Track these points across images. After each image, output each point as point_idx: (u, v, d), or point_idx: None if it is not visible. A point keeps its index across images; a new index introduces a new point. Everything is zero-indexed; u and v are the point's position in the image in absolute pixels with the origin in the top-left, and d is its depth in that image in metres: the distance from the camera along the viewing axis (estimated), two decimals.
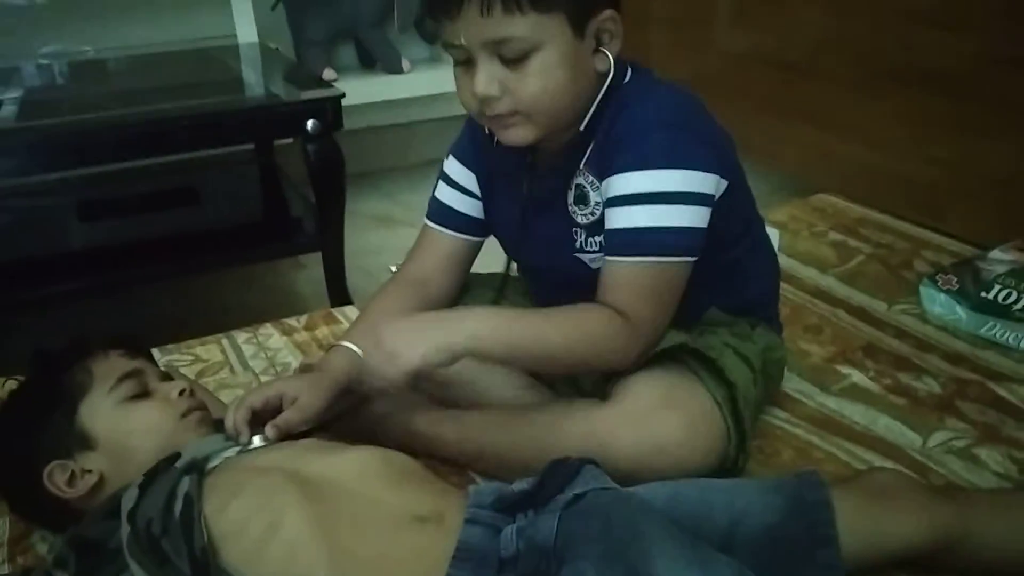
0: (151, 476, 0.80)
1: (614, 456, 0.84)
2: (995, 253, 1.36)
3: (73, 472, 0.85)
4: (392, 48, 2.39)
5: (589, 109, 0.89)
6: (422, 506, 0.75)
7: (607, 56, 0.87)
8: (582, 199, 0.92)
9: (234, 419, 0.87)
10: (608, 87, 0.89)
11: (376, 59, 2.42)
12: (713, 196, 0.88)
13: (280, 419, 0.87)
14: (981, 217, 1.57)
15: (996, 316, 1.24)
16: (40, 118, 1.69)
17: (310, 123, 1.53)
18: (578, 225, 0.94)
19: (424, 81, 2.37)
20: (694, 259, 0.88)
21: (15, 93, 1.79)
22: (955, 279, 1.31)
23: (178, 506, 0.75)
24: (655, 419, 0.87)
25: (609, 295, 0.87)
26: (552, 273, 0.99)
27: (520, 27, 0.81)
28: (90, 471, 0.85)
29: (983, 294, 1.27)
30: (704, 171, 0.86)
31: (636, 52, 0.94)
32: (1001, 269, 1.30)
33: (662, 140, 0.86)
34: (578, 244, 0.94)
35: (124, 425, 0.87)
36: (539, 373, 1.02)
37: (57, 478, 0.85)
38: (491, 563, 0.72)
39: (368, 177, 2.40)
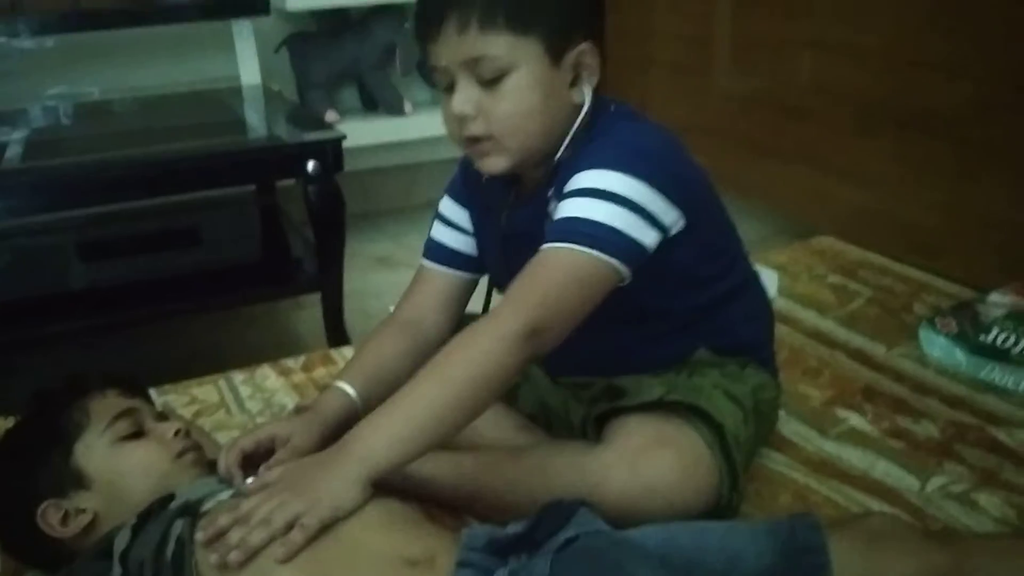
0: (144, 517, 0.80)
1: (605, 498, 0.84)
2: (994, 296, 1.36)
3: (67, 511, 0.85)
4: (394, 91, 2.42)
5: (563, 142, 0.90)
6: (413, 549, 0.75)
7: (582, 90, 0.89)
8: None
9: (226, 462, 0.86)
10: (588, 121, 0.90)
11: (378, 101, 2.45)
12: (659, 220, 0.86)
13: (273, 461, 0.86)
14: (980, 260, 1.57)
15: (995, 360, 1.24)
16: (45, 158, 1.72)
17: (311, 164, 1.54)
18: None
19: (426, 123, 2.39)
20: (617, 267, 0.84)
21: (21, 134, 1.82)
22: (954, 322, 1.31)
23: (170, 549, 0.75)
24: (646, 460, 0.87)
25: (514, 281, 0.85)
26: None
27: (495, 46, 0.84)
28: (84, 510, 0.85)
29: (982, 337, 1.26)
30: (652, 188, 0.85)
31: (637, 95, 0.96)
32: (1000, 312, 1.30)
33: (618, 151, 0.86)
34: None
35: (118, 465, 0.87)
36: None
37: (51, 517, 0.84)
38: None
39: (370, 218, 2.42)
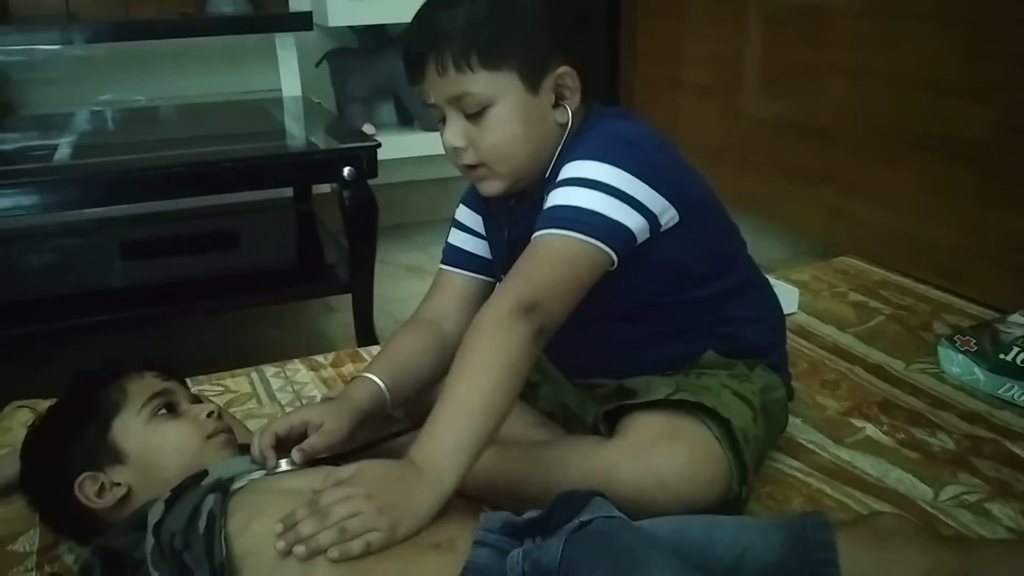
0: (178, 492, 0.83)
1: (617, 490, 0.85)
2: (1015, 317, 1.36)
3: (103, 484, 0.88)
4: None
5: (552, 159, 0.95)
6: (437, 535, 0.77)
7: (566, 110, 0.94)
8: None
9: (260, 444, 0.90)
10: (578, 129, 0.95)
11: (414, 116, 2.51)
12: (646, 207, 0.90)
13: (306, 444, 0.90)
14: (1000, 282, 1.58)
15: (1014, 378, 1.24)
16: (92, 157, 1.78)
17: (346, 170, 1.60)
18: None
19: None
20: (606, 251, 0.88)
21: (72, 135, 1.89)
22: (973, 340, 1.32)
23: (202, 522, 0.77)
24: (656, 453, 0.89)
25: (509, 274, 0.89)
26: None
27: (473, 84, 0.89)
28: (119, 484, 0.89)
29: (1001, 356, 1.27)
30: (637, 178, 0.89)
31: (666, 116, 1.00)
32: (1020, 332, 1.31)
33: (601, 142, 0.91)
34: None
35: (153, 442, 0.90)
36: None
37: (87, 488, 0.88)
38: None
39: (402, 229, 2.47)
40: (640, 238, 0.91)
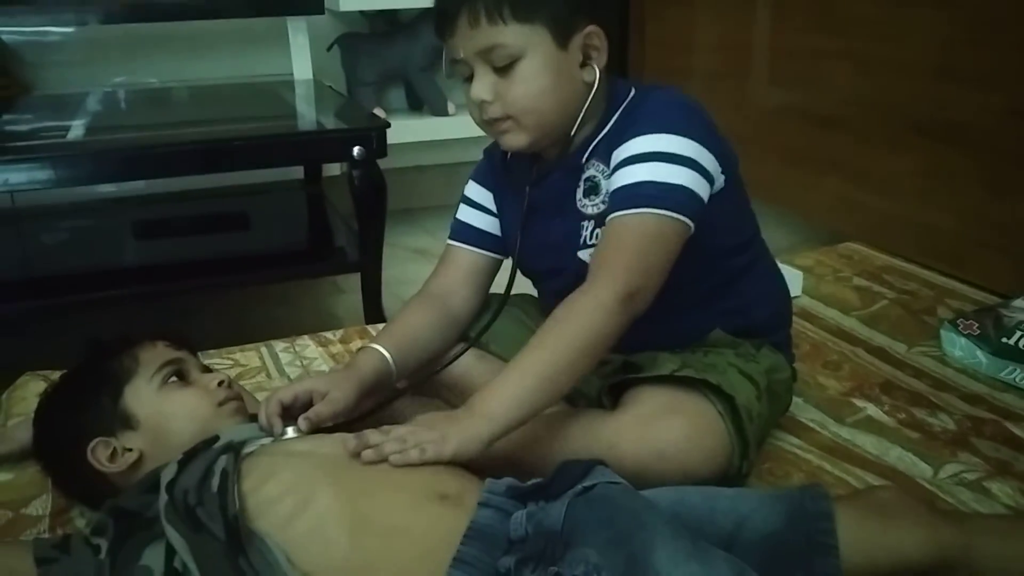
0: (191, 454, 0.84)
1: (619, 459, 0.87)
2: (1018, 302, 1.37)
3: (115, 449, 0.90)
4: (439, 92, 2.49)
5: (577, 117, 0.97)
6: (446, 485, 0.79)
7: (594, 68, 0.96)
8: (593, 190, 0.99)
9: (266, 411, 0.92)
10: (616, 104, 0.97)
11: (424, 101, 2.52)
12: (709, 172, 0.93)
13: (312, 412, 0.91)
14: (1004, 268, 1.59)
15: (1016, 361, 1.25)
16: (106, 135, 1.81)
17: (356, 149, 1.61)
18: (587, 217, 0.99)
19: (467, 124, 2.40)
20: (688, 223, 0.91)
21: (84, 115, 1.91)
22: (976, 324, 1.33)
23: (215, 481, 0.79)
24: (659, 424, 0.91)
25: (597, 252, 0.92)
26: (555, 277, 1.04)
27: (504, 35, 0.91)
28: (131, 449, 0.90)
29: (1004, 339, 1.28)
30: (702, 145, 0.92)
31: None
32: (1023, 316, 1.32)
33: (668, 113, 0.94)
34: (582, 239, 1.00)
35: (164, 409, 0.92)
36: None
37: (100, 453, 0.90)
38: (500, 543, 0.75)
39: (410, 213, 2.49)
40: (705, 205, 0.94)
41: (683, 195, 0.90)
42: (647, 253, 0.89)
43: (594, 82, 0.96)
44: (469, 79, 0.95)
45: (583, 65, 0.95)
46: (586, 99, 0.96)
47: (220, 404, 0.94)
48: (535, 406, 0.86)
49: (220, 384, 0.95)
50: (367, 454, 0.80)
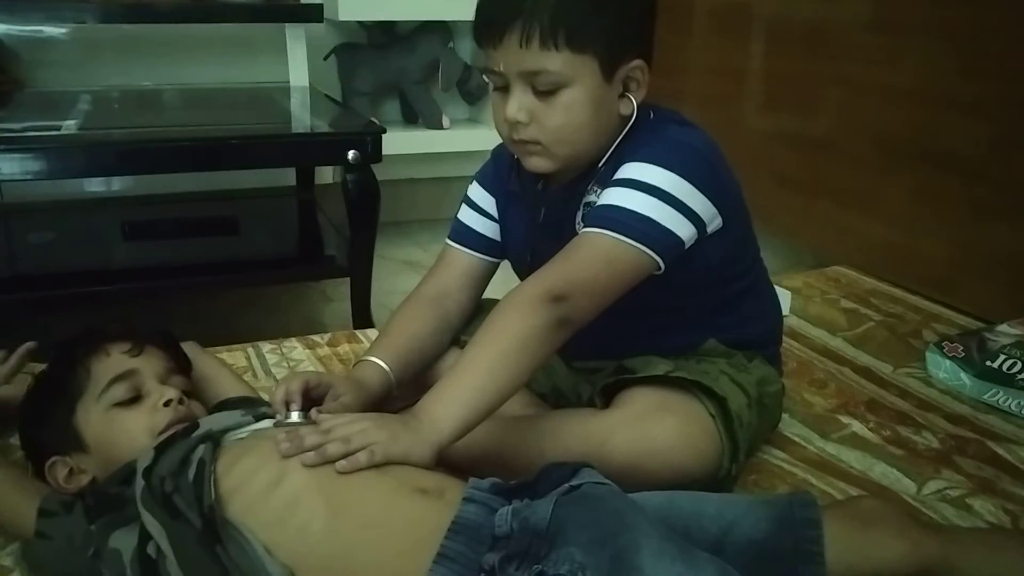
0: (168, 441, 0.83)
1: (610, 455, 0.87)
2: (1003, 327, 1.38)
3: (72, 468, 0.89)
4: (434, 105, 2.50)
5: (608, 149, 0.95)
6: (425, 481, 0.79)
7: (631, 102, 0.94)
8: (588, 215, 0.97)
9: (287, 389, 0.91)
10: (631, 126, 0.95)
11: (419, 114, 2.54)
12: (696, 214, 0.91)
13: (326, 408, 0.90)
14: (991, 295, 1.60)
15: (1000, 384, 1.26)
16: (99, 130, 1.81)
17: (351, 153, 1.61)
18: None
19: (462, 139, 2.47)
20: (654, 258, 0.89)
21: (78, 111, 1.91)
22: (961, 347, 1.34)
23: (192, 470, 0.78)
24: (650, 422, 0.91)
25: (550, 262, 0.90)
26: None
27: (554, 62, 0.88)
28: (84, 471, 0.89)
29: (988, 362, 1.29)
30: (696, 187, 0.90)
31: None
32: (1007, 340, 1.33)
33: (663, 147, 0.92)
34: None
35: (108, 434, 0.89)
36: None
37: (57, 472, 0.89)
38: (484, 539, 0.75)
39: (402, 226, 2.49)
40: (687, 245, 0.92)
41: (651, 228, 0.88)
42: (588, 269, 0.88)
43: (630, 116, 0.94)
44: (502, 89, 0.93)
45: (620, 96, 0.93)
46: (620, 132, 0.95)
47: (161, 433, 0.88)
48: (480, 405, 0.84)
49: (168, 403, 0.90)
50: (307, 457, 0.76)
